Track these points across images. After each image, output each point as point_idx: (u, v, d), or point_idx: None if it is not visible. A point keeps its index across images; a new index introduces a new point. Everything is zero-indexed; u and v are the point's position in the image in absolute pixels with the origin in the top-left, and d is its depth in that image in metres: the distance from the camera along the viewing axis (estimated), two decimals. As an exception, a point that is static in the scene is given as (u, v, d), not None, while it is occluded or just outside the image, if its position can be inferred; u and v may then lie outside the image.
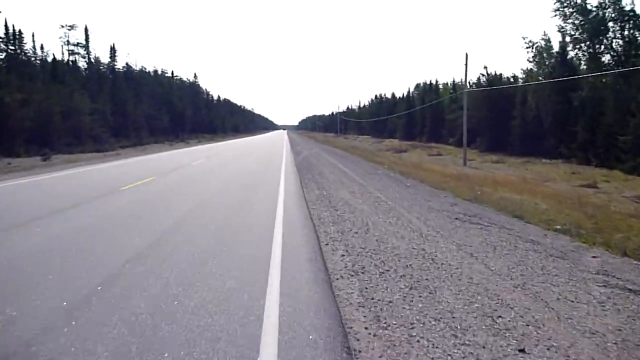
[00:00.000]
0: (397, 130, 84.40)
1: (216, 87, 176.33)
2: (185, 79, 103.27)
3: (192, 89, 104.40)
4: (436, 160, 40.72)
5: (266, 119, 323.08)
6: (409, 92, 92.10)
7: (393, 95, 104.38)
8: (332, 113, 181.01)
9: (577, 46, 33.74)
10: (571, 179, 24.60)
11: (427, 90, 76.61)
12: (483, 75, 49.54)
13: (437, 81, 73.73)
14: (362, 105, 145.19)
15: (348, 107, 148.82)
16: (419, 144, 59.71)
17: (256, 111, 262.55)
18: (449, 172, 25.49)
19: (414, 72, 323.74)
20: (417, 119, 72.75)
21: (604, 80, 31.57)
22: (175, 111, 78.06)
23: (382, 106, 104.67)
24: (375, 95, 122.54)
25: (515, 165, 32.44)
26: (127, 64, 69.82)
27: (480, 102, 44.97)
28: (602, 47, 32.35)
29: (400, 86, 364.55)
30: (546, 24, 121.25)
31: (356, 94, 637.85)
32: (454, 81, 69.16)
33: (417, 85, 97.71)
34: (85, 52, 56.23)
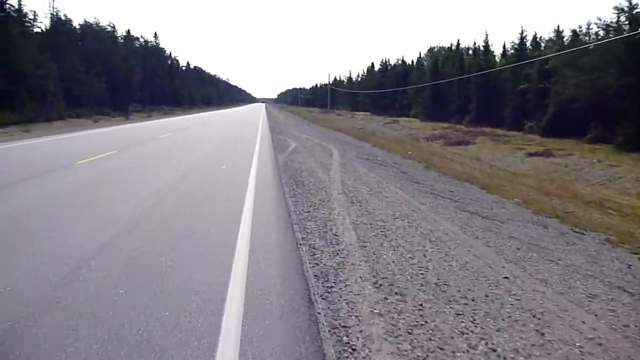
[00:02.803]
0: (413, 106, 64.74)
1: (187, 54, 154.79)
2: (140, 37, 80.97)
3: (149, 51, 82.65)
4: (570, 172, 21.56)
5: (243, 91, 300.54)
6: (427, 57, 72.15)
7: (403, 61, 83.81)
8: (317, 85, 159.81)
9: None
10: None
11: (459, 55, 56.83)
12: (622, 11, 28.24)
13: (487, 41, 52.99)
14: (355, 76, 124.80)
15: (335, 79, 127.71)
16: (473, 130, 40.18)
17: (232, 82, 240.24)
18: None
19: (420, 36, 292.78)
20: (451, 93, 53.15)
21: None
22: (117, 76, 57.04)
23: (387, 75, 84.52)
24: (372, 64, 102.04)
25: None
26: (54, 12, 47.87)
27: (624, 61, 25.51)
28: None
29: (404, 52, 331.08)
30: None
31: (345, 64, 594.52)
32: (522, 34, 48.20)
33: (431, 50, 77.96)
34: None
